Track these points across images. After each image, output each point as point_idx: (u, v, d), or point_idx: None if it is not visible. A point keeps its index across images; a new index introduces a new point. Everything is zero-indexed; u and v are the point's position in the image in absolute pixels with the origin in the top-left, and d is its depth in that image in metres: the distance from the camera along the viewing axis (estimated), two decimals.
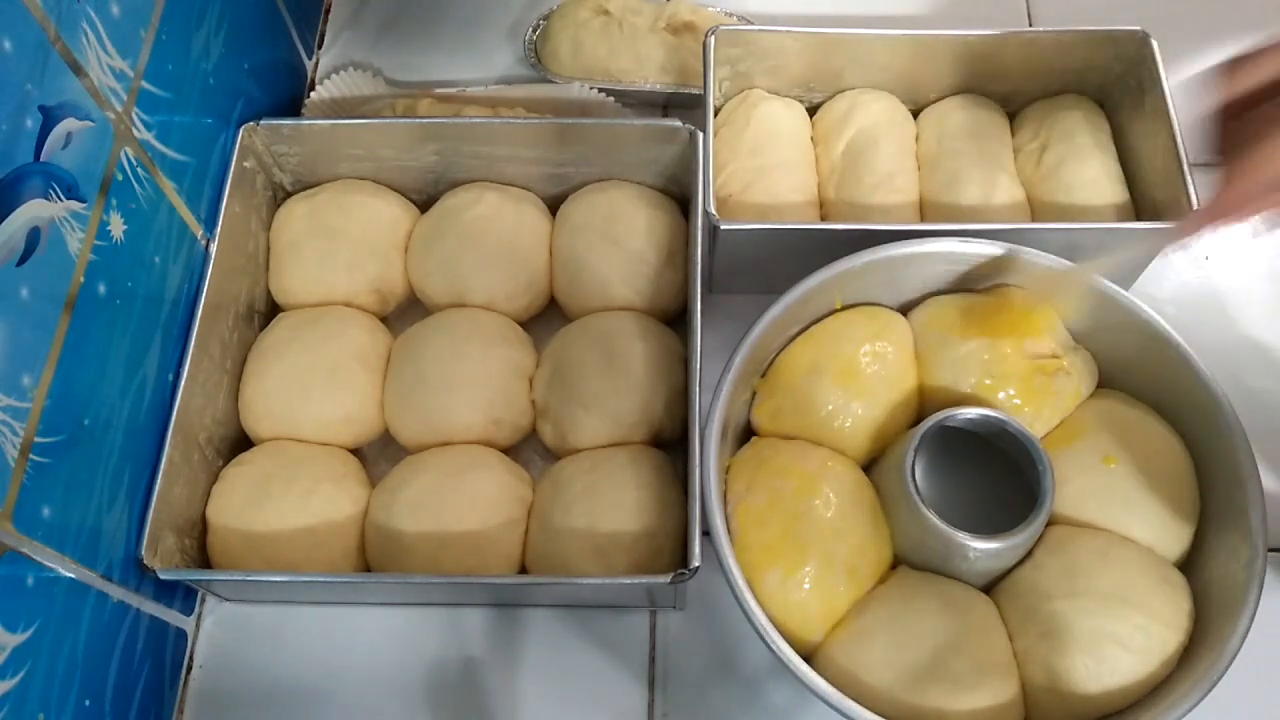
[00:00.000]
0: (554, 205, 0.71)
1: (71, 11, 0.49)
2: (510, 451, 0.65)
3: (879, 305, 0.63)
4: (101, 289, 0.52)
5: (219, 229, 0.64)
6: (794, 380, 0.60)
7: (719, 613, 0.62)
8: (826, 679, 0.50)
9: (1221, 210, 0.46)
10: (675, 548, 0.58)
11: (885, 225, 0.63)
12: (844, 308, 0.62)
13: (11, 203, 0.45)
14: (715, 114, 0.70)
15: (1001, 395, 0.58)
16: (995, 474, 0.59)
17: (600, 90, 0.77)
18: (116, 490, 0.54)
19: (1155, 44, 0.69)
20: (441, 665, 0.61)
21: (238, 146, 0.66)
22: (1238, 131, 0.47)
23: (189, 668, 0.62)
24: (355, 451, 0.66)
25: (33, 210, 0.47)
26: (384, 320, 0.70)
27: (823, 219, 0.70)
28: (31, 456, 0.47)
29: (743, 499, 0.56)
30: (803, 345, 0.61)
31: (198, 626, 0.63)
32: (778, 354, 0.61)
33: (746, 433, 0.62)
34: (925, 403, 0.61)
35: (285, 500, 0.60)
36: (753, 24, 0.76)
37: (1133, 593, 0.52)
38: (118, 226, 0.54)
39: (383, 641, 0.62)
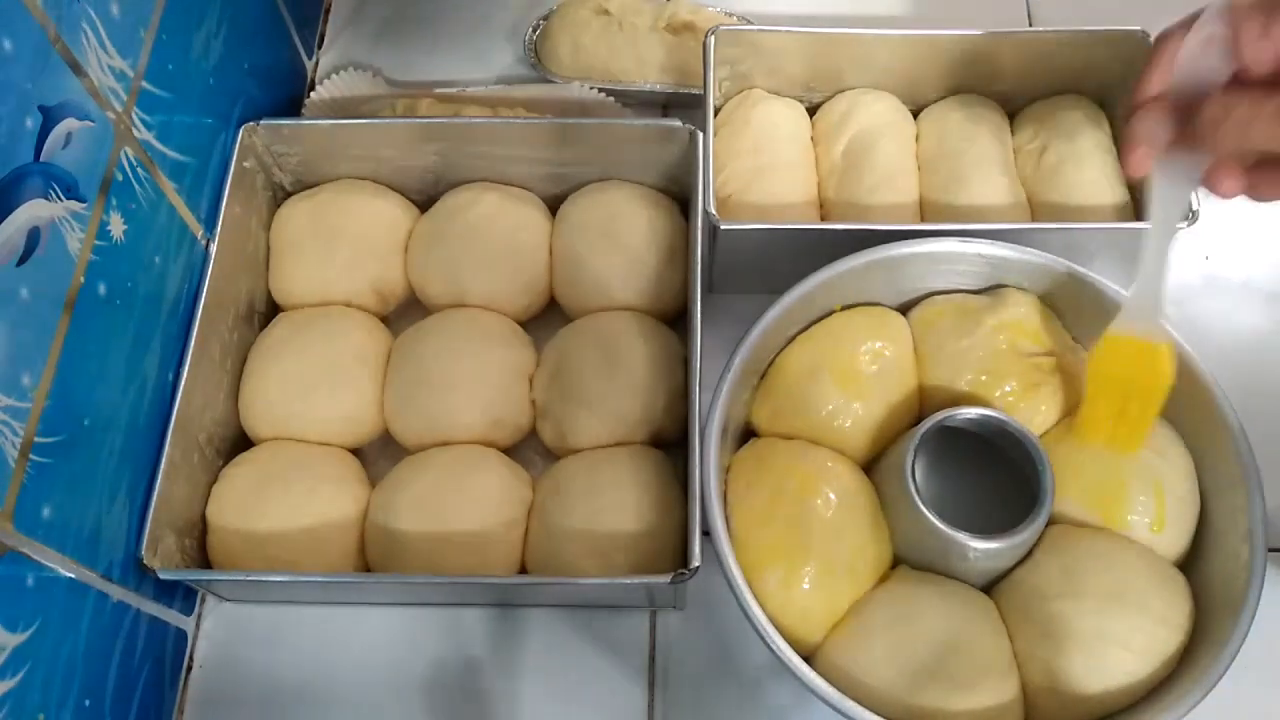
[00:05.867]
0: (554, 205, 0.71)
1: (71, 11, 0.49)
2: (510, 451, 0.65)
3: (879, 305, 0.63)
4: (101, 289, 0.53)
5: (219, 229, 0.64)
6: (794, 380, 0.60)
7: (719, 613, 0.62)
8: (826, 679, 0.50)
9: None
10: (675, 548, 0.58)
11: (885, 225, 0.63)
12: (844, 308, 0.62)
13: (11, 203, 0.45)
14: (715, 114, 0.70)
15: (998, 393, 0.58)
16: (995, 474, 0.59)
17: (600, 90, 0.77)
18: (116, 490, 0.54)
19: None
20: (441, 665, 0.61)
21: (238, 146, 0.66)
22: None
23: (189, 668, 0.62)
24: (355, 451, 0.66)
25: (33, 210, 0.47)
26: (384, 320, 0.70)
27: (823, 219, 0.70)
28: (31, 456, 0.47)
29: (743, 499, 0.56)
30: (802, 345, 0.61)
31: (198, 626, 0.63)
32: (777, 354, 0.61)
33: (746, 433, 0.62)
34: (925, 402, 0.61)
35: (285, 500, 0.60)
36: (753, 24, 0.76)
37: (1133, 593, 0.52)
38: (118, 226, 0.54)
39: (383, 641, 0.62)
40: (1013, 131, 0.74)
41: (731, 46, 0.71)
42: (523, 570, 0.61)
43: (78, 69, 0.50)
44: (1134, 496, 0.56)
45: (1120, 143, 0.48)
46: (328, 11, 0.86)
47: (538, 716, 0.60)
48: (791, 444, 0.59)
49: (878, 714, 0.49)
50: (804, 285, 0.59)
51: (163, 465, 0.57)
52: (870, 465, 0.59)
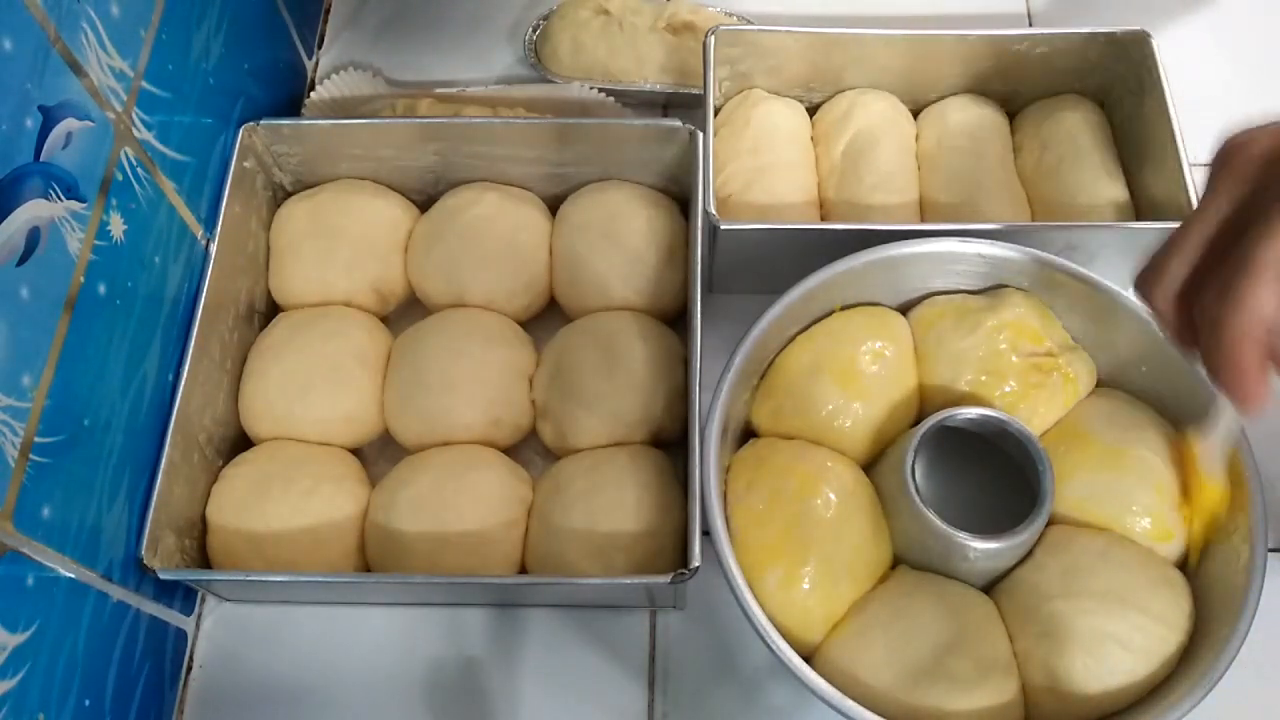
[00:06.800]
0: (554, 205, 0.71)
1: (71, 11, 0.49)
2: (510, 451, 0.65)
3: (879, 305, 0.63)
4: (101, 289, 0.53)
5: (219, 229, 0.64)
6: (794, 380, 0.60)
7: (719, 613, 0.62)
8: (826, 679, 0.50)
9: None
10: (675, 548, 0.58)
11: (885, 225, 0.63)
12: (844, 308, 0.62)
13: (11, 203, 0.45)
14: (715, 114, 0.70)
15: (998, 393, 0.58)
16: (995, 474, 0.59)
17: (600, 90, 0.77)
18: (116, 490, 0.54)
19: (1155, 44, 0.69)
20: (441, 665, 0.61)
21: (238, 146, 0.66)
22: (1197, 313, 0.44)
23: (189, 668, 0.62)
24: (355, 451, 0.66)
25: (33, 210, 0.47)
26: (384, 320, 0.70)
27: (823, 219, 0.70)
28: (31, 456, 0.47)
29: (743, 499, 0.56)
30: (803, 345, 0.61)
31: (198, 626, 0.63)
32: (778, 354, 0.61)
33: (746, 433, 0.62)
34: (925, 402, 0.61)
35: (285, 500, 0.60)
36: (753, 24, 0.76)
37: (1133, 593, 0.52)
38: (118, 226, 0.54)
39: (383, 641, 0.62)
40: (1013, 131, 0.74)
41: (731, 46, 0.71)
42: (522, 570, 0.61)
43: (78, 69, 0.50)
44: (1134, 497, 0.56)
45: (1231, 383, 0.43)
46: (328, 11, 0.86)
47: (538, 716, 0.60)
48: (791, 444, 0.59)
49: (878, 714, 0.49)
50: (804, 285, 0.59)
51: (163, 465, 0.57)
52: (870, 465, 0.59)
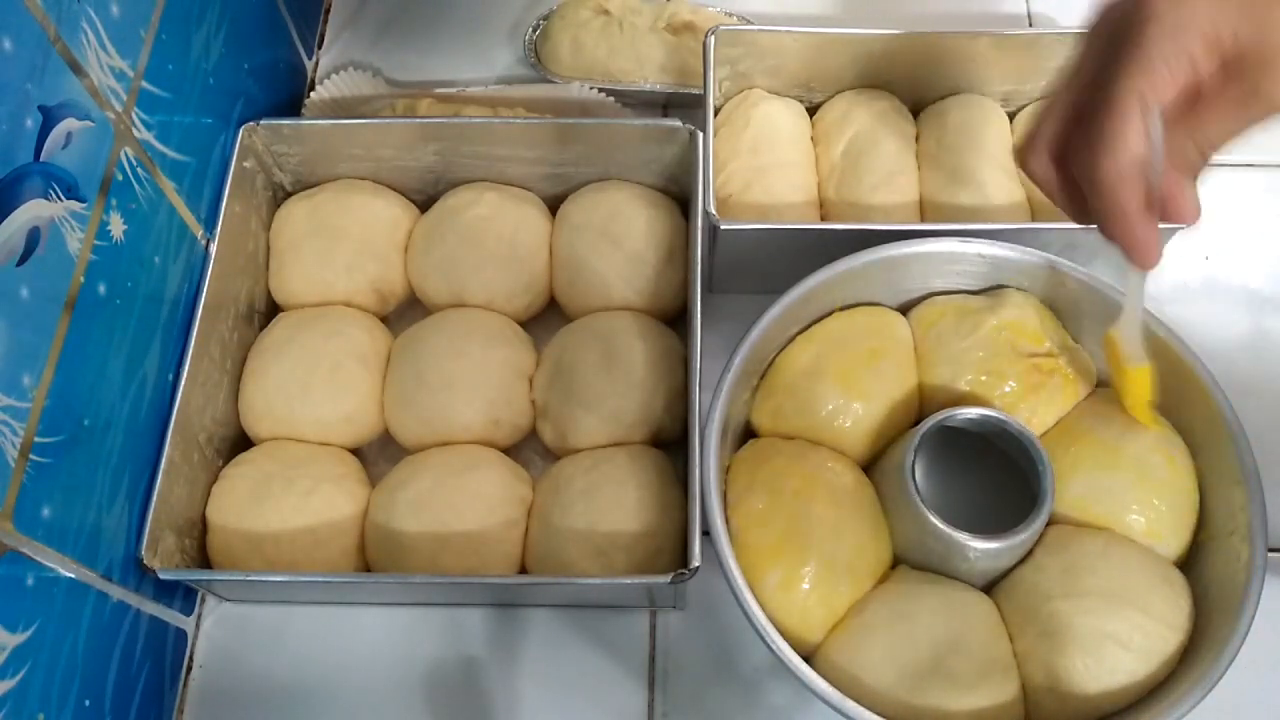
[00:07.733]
0: (554, 205, 0.71)
1: (71, 11, 0.49)
2: (510, 451, 0.65)
3: (879, 305, 0.63)
4: (101, 289, 0.53)
5: (219, 229, 0.64)
6: (794, 380, 0.60)
7: (719, 613, 0.62)
8: (826, 679, 0.50)
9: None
10: (675, 548, 0.58)
11: (885, 225, 0.63)
12: (844, 308, 0.62)
13: (11, 203, 0.45)
14: (715, 114, 0.70)
15: (998, 393, 0.58)
16: (995, 474, 0.59)
17: (600, 90, 0.77)
18: (116, 490, 0.54)
19: None
20: (441, 665, 0.61)
21: (238, 146, 0.66)
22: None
23: (189, 668, 0.62)
24: (355, 451, 0.66)
25: (33, 210, 0.47)
26: (384, 320, 0.70)
27: (823, 219, 0.70)
28: (31, 456, 0.47)
29: (743, 499, 0.56)
30: (803, 345, 0.61)
31: (198, 626, 0.63)
32: (778, 354, 0.61)
33: (746, 433, 0.62)
34: (925, 402, 0.61)
35: (285, 500, 0.60)
36: (753, 24, 0.76)
37: (1133, 593, 0.52)
38: (118, 226, 0.54)
39: (383, 641, 0.62)
40: (1013, 131, 0.74)
41: (731, 46, 0.71)
42: (522, 570, 0.61)
43: (78, 69, 0.50)
44: (1134, 496, 0.56)
45: (1118, 232, 0.45)
46: (328, 11, 0.86)
47: (538, 716, 0.60)
48: (791, 444, 0.59)
49: (878, 714, 0.49)
50: (804, 285, 0.59)
51: (163, 465, 0.57)
52: (870, 465, 0.59)
